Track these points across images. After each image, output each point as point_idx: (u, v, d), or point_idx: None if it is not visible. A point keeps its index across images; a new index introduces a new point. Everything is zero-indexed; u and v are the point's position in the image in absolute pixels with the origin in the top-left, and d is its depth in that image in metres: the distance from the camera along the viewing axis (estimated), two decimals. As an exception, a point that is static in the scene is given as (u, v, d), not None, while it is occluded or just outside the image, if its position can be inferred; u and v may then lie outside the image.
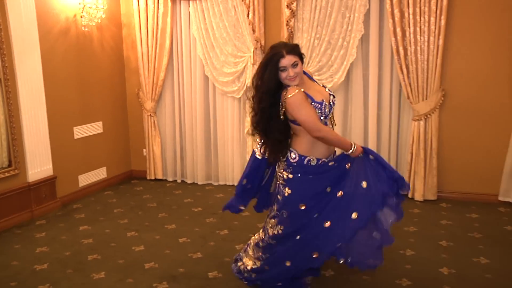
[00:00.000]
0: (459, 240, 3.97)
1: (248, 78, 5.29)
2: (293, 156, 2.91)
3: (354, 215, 2.82)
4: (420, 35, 4.67)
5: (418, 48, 4.70)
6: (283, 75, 2.84)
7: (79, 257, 3.82)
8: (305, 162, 2.90)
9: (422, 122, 4.84)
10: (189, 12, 5.53)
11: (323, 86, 3.08)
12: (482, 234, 4.07)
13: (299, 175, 2.91)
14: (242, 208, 3.34)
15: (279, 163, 3.01)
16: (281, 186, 2.99)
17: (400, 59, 4.75)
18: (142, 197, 5.38)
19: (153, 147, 5.95)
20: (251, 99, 2.96)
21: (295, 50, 2.87)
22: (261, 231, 3.30)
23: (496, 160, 4.78)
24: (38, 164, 4.78)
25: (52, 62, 4.92)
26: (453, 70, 4.78)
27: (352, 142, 2.91)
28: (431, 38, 4.64)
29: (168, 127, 5.92)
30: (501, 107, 4.71)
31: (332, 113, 2.99)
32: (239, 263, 3.44)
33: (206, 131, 5.75)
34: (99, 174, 5.68)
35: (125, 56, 5.97)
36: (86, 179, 5.47)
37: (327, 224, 2.88)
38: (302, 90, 2.86)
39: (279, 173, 3.02)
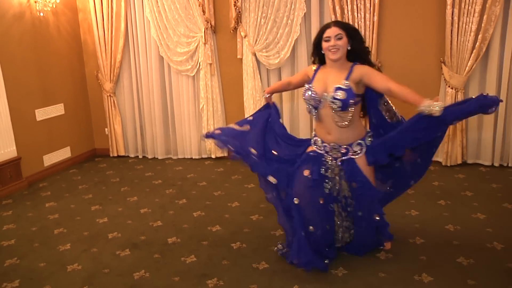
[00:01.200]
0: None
1: (200, 57, 5.36)
2: None
3: None
4: (357, 12, 4.80)
5: (356, 24, 4.81)
6: (325, 45, 2.84)
7: (45, 232, 3.87)
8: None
9: (362, 93, 5.04)
10: (142, -5, 5.51)
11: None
12: (414, 190, 4.19)
13: None
14: None
15: None
16: None
17: (341, 35, 4.92)
18: (105, 173, 5.41)
19: (114, 125, 5.95)
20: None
21: (343, 24, 2.88)
22: None
23: (426, 124, 5.03)
24: (1, 146, 4.75)
25: (8, 47, 4.84)
26: (387, 43, 4.93)
27: None
28: (367, 15, 4.77)
29: (127, 106, 5.92)
30: (429, 75, 4.92)
31: (339, 108, 2.83)
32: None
33: (163, 108, 5.78)
34: (64, 153, 5.67)
35: (82, 39, 5.90)
36: (50, 158, 5.47)
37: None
38: (314, 68, 2.98)
39: None
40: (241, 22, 5.16)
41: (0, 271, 3.27)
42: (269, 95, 3.38)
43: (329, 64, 2.93)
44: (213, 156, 5.68)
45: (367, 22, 4.80)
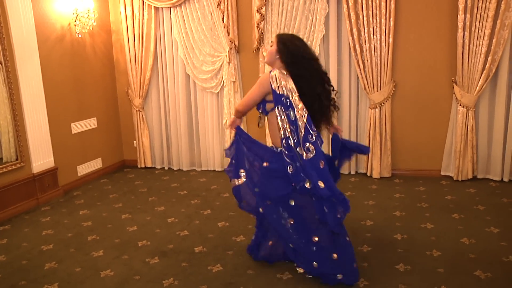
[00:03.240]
0: (410, 210, 4.11)
1: (224, 75, 5.35)
2: None
3: None
4: (373, 35, 4.77)
5: (372, 45, 4.79)
6: None
7: (80, 238, 3.86)
8: None
9: (377, 110, 4.95)
10: (170, 18, 5.52)
11: None
12: (428, 204, 4.22)
13: None
14: None
15: None
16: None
17: (357, 55, 4.84)
18: (134, 184, 5.40)
19: (142, 138, 5.96)
20: None
21: (278, 36, 2.93)
22: None
23: (438, 140, 4.94)
24: (41, 157, 4.78)
25: (50, 66, 4.89)
26: (401, 64, 4.88)
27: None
28: (383, 37, 4.74)
29: (155, 121, 5.92)
30: (441, 94, 4.85)
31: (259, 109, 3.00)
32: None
33: (189, 123, 5.77)
34: (95, 164, 5.68)
35: (115, 59, 5.94)
36: (84, 169, 5.48)
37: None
38: (277, 72, 2.81)
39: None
40: (263, 43, 5.14)
41: (41, 273, 3.26)
42: None
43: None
44: (234, 168, 5.63)
45: (383, 44, 4.75)
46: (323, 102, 2.90)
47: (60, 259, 3.47)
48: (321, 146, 2.80)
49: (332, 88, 2.99)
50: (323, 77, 2.95)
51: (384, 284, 2.90)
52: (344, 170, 5.22)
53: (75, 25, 5.13)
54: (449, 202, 4.27)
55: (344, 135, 5.12)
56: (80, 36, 5.23)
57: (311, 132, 2.71)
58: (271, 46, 2.93)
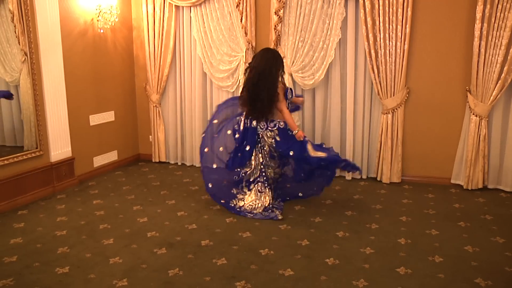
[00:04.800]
0: (416, 215, 4.15)
1: (240, 74, 5.43)
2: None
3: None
4: (389, 41, 4.79)
5: (387, 51, 4.82)
6: None
7: (92, 226, 3.99)
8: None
9: (389, 115, 4.98)
10: (190, 17, 5.63)
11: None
12: (435, 211, 4.24)
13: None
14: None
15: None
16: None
17: (372, 61, 4.87)
18: (147, 177, 5.52)
19: (157, 133, 6.08)
20: None
21: None
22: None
23: (449, 148, 4.94)
24: (59, 146, 4.93)
25: (72, 60, 5.05)
26: (416, 71, 4.90)
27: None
28: (398, 43, 4.76)
29: (171, 117, 6.03)
30: (454, 103, 4.85)
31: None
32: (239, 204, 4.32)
33: (203, 121, 5.83)
34: (111, 156, 5.83)
35: (134, 54, 6.08)
36: (100, 160, 5.63)
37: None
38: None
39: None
40: (280, 45, 5.22)
41: (53, 257, 3.40)
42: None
43: None
44: (246, 167, 5.71)
45: (398, 50, 4.78)
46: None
47: (72, 245, 3.60)
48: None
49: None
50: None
51: (383, 286, 2.95)
52: (356, 174, 5.28)
53: (97, 20, 5.28)
54: (456, 210, 4.28)
55: (357, 140, 5.17)
56: (102, 31, 5.39)
57: None
58: None
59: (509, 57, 4.41)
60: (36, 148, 4.71)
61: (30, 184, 4.63)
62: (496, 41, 4.44)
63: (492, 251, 3.43)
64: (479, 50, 4.52)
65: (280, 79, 4.17)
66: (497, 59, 4.46)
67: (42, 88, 4.69)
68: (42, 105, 4.71)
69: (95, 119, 5.49)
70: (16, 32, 4.43)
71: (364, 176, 5.31)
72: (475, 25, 4.48)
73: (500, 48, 4.42)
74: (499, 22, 4.39)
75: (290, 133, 4.17)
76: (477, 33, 4.48)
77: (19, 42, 4.46)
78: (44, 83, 4.69)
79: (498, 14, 4.38)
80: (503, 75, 4.46)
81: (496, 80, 4.51)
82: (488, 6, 4.39)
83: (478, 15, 4.44)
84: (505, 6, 4.33)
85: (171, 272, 3.16)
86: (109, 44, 5.62)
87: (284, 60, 5.14)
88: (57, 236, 3.78)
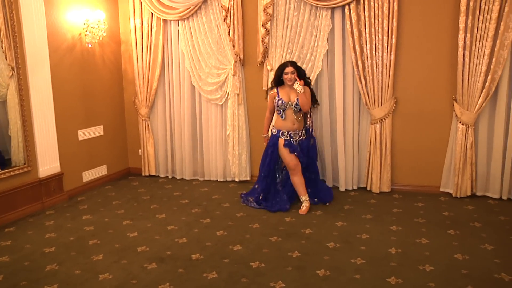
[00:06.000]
0: (406, 224, 4.16)
1: (229, 87, 5.46)
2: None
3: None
4: (376, 51, 4.85)
5: (374, 62, 4.87)
6: (285, 77, 4.50)
7: (81, 242, 3.95)
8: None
9: (378, 125, 5.02)
10: (178, 30, 5.66)
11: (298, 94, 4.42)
12: (425, 219, 4.26)
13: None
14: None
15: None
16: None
17: (359, 71, 4.92)
18: (137, 191, 5.49)
19: (147, 147, 6.07)
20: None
21: (294, 64, 4.54)
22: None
23: (438, 157, 4.98)
24: (48, 162, 4.90)
25: (60, 75, 5.04)
26: (403, 81, 4.96)
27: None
28: (385, 54, 4.82)
29: (160, 130, 6.03)
30: (441, 112, 4.91)
31: (297, 110, 4.49)
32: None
33: (193, 134, 5.87)
34: (101, 171, 5.80)
35: (123, 68, 6.09)
36: (89, 175, 5.59)
37: None
38: (275, 90, 4.61)
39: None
40: (267, 57, 5.26)
41: (41, 275, 3.35)
42: (266, 134, 4.83)
43: (287, 85, 4.56)
44: (236, 180, 5.71)
45: (385, 61, 4.83)
46: None
47: (61, 262, 3.56)
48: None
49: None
50: None
51: (375, 296, 2.95)
52: (346, 185, 5.30)
53: (85, 35, 5.29)
54: (446, 218, 4.31)
55: (348, 149, 5.20)
56: (90, 46, 5.40)
57: None
58: (293, 72, 4.47)
59: (492, 67, 4.48)
60: (24, 164, 4.67)
61: (18, 200, 4.59)
62: (480, 50, 4.52)
63: (481, 258, 3.46)
64: (464, 59, 4.59)
65: (271, 89, 4.74)
66: (481, 68, 4.54)
67: (29, 104, 4.67)
68: (30, 121, 4.69)
69: (84, 134, 5.47)
70: (3, 47, 4.42)
71: (354, 187, 5.33)
72: (459, 35, 4.56)
73: (483, 58, 4.50)
74: (481, 32, 4.48)
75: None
76: (461, 43, 4.56)
77: (6, 57, 4.45)
78: (31, 98, 4.67)
79: (480, 24, 4.46)
80: (487, 83, 4.53)
81: (481, 88, 4.58)
82: (470, 17, 4.48)
83: (461, 25, 4.52)
84: (485, 17, 4.42)
85: (162, 287, 3.13)
86: (98, 59, 5.62)
87: (272, 72, 5.23)
88: (45, 253, 3.73)
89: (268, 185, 4.74)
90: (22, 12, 4.49)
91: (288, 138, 4.56)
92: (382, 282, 3.12)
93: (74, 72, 5.26)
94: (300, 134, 4.61)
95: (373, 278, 3.19)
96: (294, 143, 4.57)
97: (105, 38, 5.63)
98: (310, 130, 4.74)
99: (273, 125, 4.72)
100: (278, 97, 4.53)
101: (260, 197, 4.75)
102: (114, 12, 5.85)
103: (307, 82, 4.56)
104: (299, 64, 5.10)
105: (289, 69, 4.46)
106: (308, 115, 4.70)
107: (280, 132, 4.59)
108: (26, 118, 4.64)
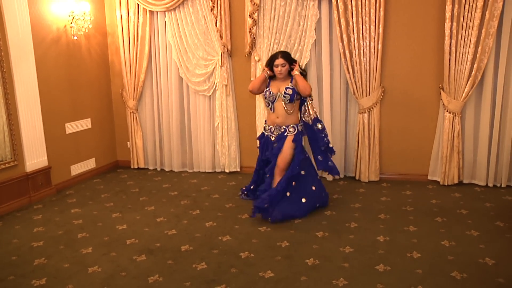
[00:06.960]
0: (395, 213, 4.20)
1: (217, 78, 5.44)
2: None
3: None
4: (363, 41, 4.85)
5: (361, 52, 4.87)
6: (275, 69, 4.22)
7: (70, 235, 3.93)
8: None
9: (366, 115, 5.03)
10: (165, 21, 5.62)
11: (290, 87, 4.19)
12: (413, 207, 4.30)
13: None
14: None
15: None
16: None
17: (347, 61, 4.92)
18: (126, 184, 5.47)
19: (135, 140, 6.04)
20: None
21: (286, 55, 4.22)
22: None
23: (425, 145, 5.03)
24: (35, 156, 4.85)
25: (45, 67, 4.98)
26: (390, 70, 4.98)
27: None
28: (372, 44, 4.82)
29: (148, 122, 6.00)
30: (428, 100, 4.94)
31: (287, 100, 4.17)
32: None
33: (181, 125, 5.85)
34: (89, 164, 5.76)
35: (110, 61, 6.03)
36: (77, 168, 5.56)
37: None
38: (267, 74, 4.30)
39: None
40: (255, 47, 5.24)
41: (29, 269, 3.33)
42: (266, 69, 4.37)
43: (277, 78, 4.28)
44: (226, 171, 5.72)
45: (372, 50, 4.84)
46: None
47: (49, 255, 3.54)
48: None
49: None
50: None
51: (363, 284, 2.98)
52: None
53: (71, 27, 5.22)
54: (433, 206, 4.36)
55: (335, 139, 5.23)
56: (75, 38, 5.33)
57: None
58: (283, 65, 4.18)
59: (478, 55, 4.51)
60: (11, 158, 4.62)
61: (5, 195, 4.54)
62: (466, 39, 4.54)
63: (467, 244, 3.50)
64: (450, 48, 4.61)
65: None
66: (467, 57, 4.56)
67: (14, 97, 4.60)
68: (15, 114, 4.63)
69: (71, 127, 5.42)
70: (-14, 40, 4.35)
71: (342, 176, 5.36)
72: (445, 24, 4.57)
73: (469, 46, 4.52)
74: (467, 21, 4.50)
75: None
76: (447, 31, 4.58)
77: (-11, 51, 4.39)
78: (16, 92, 4.61)
79: (466, 13, 4.48)
80: (473, 72, 4.56)
81: (467, 77, 4.61)
82: (456, 6, 4.49)
83: (448, 14, 4.53)
84: (471, 6, 4.44)
85: (151, 279, 3.13)
86: (84, 51, 5.56)
87: (260, 63, 5.22)
88: (33, 247, 3.71)
89: (260, 177, 4.67)
90: (3, 3, 4.41)
91: (268, 133, 4.37)
92: (370, 269, 3.15)
93: (60, 65, 5.20)
94: (282, 130, 4.26)
95: (362, 266, 3.21)
96: (272, 137, 4.33)
97: (91, 30, 5.56)
98: (310, 122, 4.31)
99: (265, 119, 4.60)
100: (267, 88, 4.27)
101: (252, 187, 4.71)
102: (100, 3, 5.77)
103: (302, 74, 4.22)
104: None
105: (279, 61, 4.14)
106: (310, 106, 4.29)
107: (264, 125, 4.47)
108: (11, 111, 4.58)
